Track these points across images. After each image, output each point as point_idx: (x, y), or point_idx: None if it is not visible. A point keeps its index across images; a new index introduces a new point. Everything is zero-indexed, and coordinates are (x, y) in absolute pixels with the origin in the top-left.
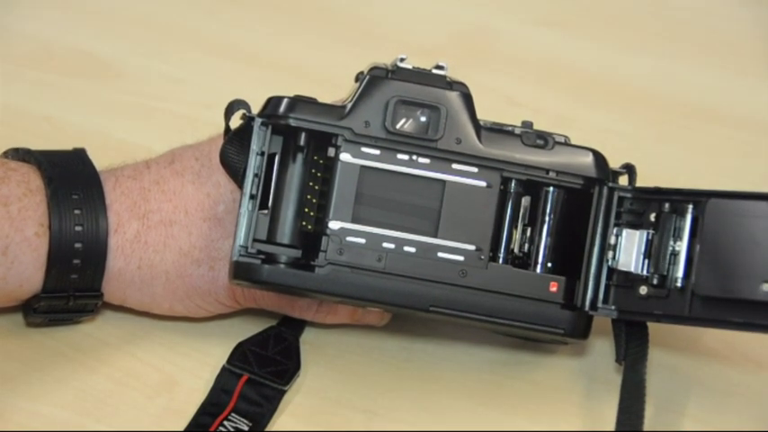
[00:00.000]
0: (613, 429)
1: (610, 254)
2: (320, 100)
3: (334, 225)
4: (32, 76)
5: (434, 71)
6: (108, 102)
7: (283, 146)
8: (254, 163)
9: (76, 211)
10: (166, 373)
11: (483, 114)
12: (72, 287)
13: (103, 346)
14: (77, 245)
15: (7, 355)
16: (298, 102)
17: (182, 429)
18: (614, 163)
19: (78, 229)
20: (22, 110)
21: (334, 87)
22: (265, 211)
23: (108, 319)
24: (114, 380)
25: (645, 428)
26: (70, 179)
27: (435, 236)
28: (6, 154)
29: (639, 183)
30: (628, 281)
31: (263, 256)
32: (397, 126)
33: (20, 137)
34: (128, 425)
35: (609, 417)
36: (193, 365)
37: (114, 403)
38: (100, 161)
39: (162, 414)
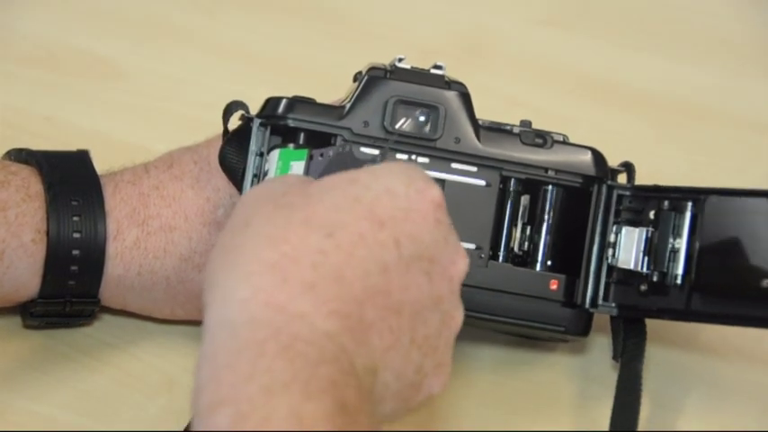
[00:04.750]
0: (609, 425)
1: (609, 251)
2: (320, 100)
3: None
4: (32, 76)
5: (433, 71)
6: (108, 102)
7: None
8: (253, 163)
9: (75, 218)
10: (166, 373)
11: (483, 114)
12: (69, 293)
13: (103, 347)
14: (75, 251)
15: (7, 355)
16: (296, 102)
17: (182, 429)
18: (613, 163)
19: (76, 235)
20: (23, 110)
21: (335, 87)
22: None
23: (108, 319)
24: (114, 380)
25: (642, 426)
26: (70, 184)
27: None
28: (9, 154)
29: (639, 183)
30: (628, 278)
31: None
32: (396, 126)
33: (20, 137)
34: (128, 425)
35: (608, 415)
36: (193, 365)
37: (114, 403)
38: (100, 161)
39: (162, 414)
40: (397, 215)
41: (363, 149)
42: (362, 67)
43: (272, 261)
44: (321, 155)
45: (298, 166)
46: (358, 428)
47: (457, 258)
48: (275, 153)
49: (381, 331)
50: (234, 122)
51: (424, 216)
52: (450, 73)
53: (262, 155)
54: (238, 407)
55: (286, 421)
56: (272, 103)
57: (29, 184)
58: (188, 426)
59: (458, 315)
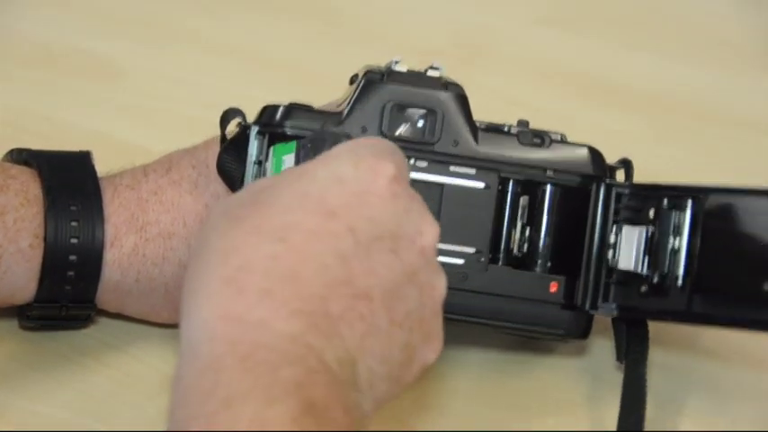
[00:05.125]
0: (615, 428)
1: (609, 252)
2: (320, 100)
3: None
4: (32, 76)
5: (429, 73)
6: (108, 102)
7: None
8: (251, 172)
9: (73, 224)
10: (166, 374)
11: (483, 114)
12: (66, 298)
13: (104, 347)
14: (72, 257)
15: (7, 355)
16: (293, 109)
17: None
18: (612, 162)
19: (74, 241)
20: (22, 110)
21: (334, 87)
22: None
23: (108, 320)
24: (114, 380)
25: (646, 427)
26: (70, 189)
27: None
28: (11, 153)
29: (638, 182)
30: (628, 279)
31: None
32: (396, 133)
33: (20, 137)
34: (128, 425)
35: (609, 416)
36: None
37: (114, 403)
38: (100, 161)
39: (162, 414)
40: (350, 201)
41: None
42: (361, 67)
43: (226, 276)
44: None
45: (289, 159)
46: (332, 424)
47: (424, 227)
48: (271, 150)
49: (352, 321)
50: (232, 126)
51: (379, 194)
52: (450, 73)
53: (260, 163)
54: (204, 421)
55: (250, 427)
56: (268, 110)
57: (27, 189)
58: None
59: (438, 283)
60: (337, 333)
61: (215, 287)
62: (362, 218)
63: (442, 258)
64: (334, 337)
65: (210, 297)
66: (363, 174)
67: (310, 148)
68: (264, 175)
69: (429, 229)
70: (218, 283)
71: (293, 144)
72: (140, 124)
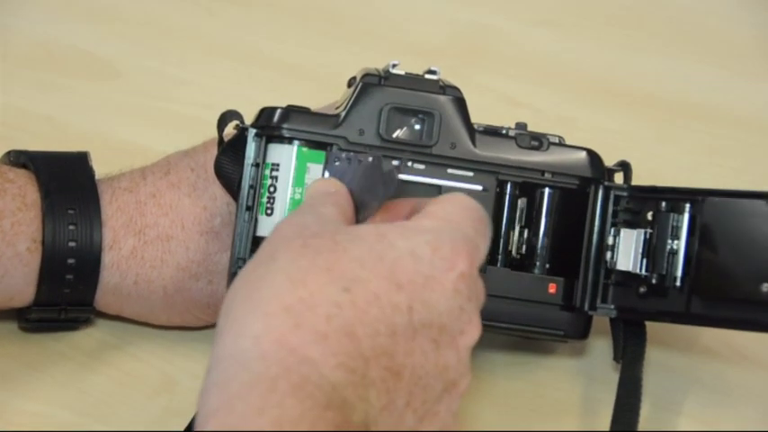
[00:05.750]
0: (609, 427)
1: (608, 254)
2: (320, 101)
3: None
4: (32, 76)
5: (427, 76)
6: (108, 102)
7: None
8: (248, 174)
9: (71, 227)
10: (166, 374)
11: (483, 115)
12: (64, 301)
13: (104, 347)
14: (70, 260)
15: (7, 355)
16: (291, 112)
17: (182, 429)
18: (612, 163)
19: (72, 244)
20: (23, 110)
21: (335, 87)
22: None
23: (108, 319)
24: (114, 380)
25: (642, 427)
26: (68, 192)
27: None
28: (8, 155)
29: (639, 183)
30: (626, 280)
31: None
32: (393, 135)
33: (20, 137)
34: (128, 425)
35: (607, 417)
36: (193, 366)
37: (114, 403)
38: (99, 161)
39: (162, 414)
40: (417, 280)
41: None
42: (360, 68)
43: (287, 303)
44: (349, 159)
45: (315, 169)
46: None
47: (468, 328)
48: (293, 149)
49: (380, 391)
50: (230, 129)
51: (443, 285)
52: (450, 73)
53: (257, 165)
54: None
55: None
56: (266, 113)
57: (25, 193)
58: (188, 426)
59: (463, 383)
60: (367, 397)
61: (274, 309)
62: (422, 300)
63: None
64: (364, 401)
65: (268, 317)
66: (438, 261)
67: (358, 175)
68: (277, 178)
69: (472, 330)
70: (279, 308)
71: (321, 155)
72: (140, 124)
